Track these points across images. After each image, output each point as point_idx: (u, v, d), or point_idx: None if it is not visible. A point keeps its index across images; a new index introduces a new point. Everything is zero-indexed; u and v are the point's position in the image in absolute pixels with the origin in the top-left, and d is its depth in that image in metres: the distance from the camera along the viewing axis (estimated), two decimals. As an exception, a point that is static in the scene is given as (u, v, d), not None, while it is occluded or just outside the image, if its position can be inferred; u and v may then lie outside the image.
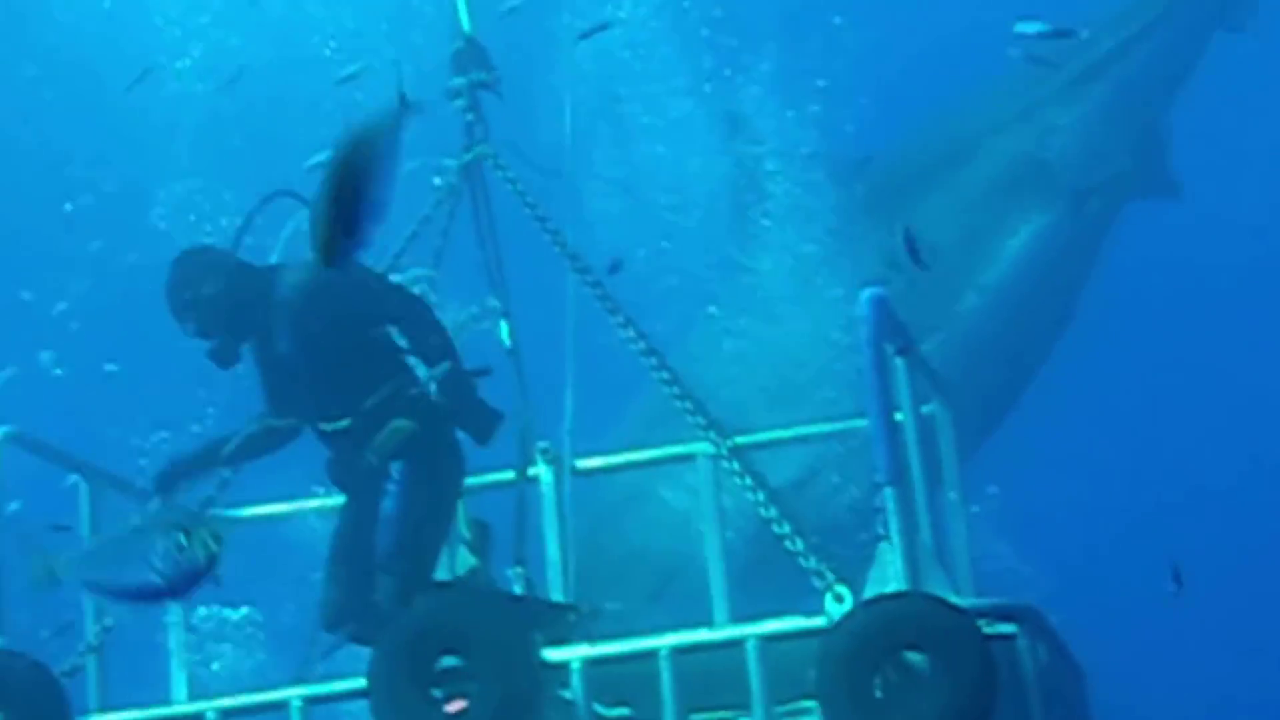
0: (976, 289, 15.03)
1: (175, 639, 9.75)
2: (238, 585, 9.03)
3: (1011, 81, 16.40)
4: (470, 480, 9.61)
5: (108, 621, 9.17)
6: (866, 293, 8.36)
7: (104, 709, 9.11)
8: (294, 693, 8.55)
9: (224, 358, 8.93)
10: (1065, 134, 16.00)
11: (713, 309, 14.04)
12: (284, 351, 8.87)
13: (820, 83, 14.56)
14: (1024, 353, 15.42)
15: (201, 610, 9.78)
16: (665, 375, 8.87)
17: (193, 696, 9.50)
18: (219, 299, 8.85)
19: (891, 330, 8.42)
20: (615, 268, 9.98)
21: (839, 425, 9.93)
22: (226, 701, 8.68)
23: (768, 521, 8.53)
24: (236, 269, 8.92)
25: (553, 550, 9.55)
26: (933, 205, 15.01)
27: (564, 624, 8.96)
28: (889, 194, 14.70)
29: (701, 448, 9.54)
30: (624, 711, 9.14)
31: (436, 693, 8.21)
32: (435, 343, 8.74)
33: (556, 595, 9.43)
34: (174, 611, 9.72)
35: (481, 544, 9.28)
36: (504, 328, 9.58)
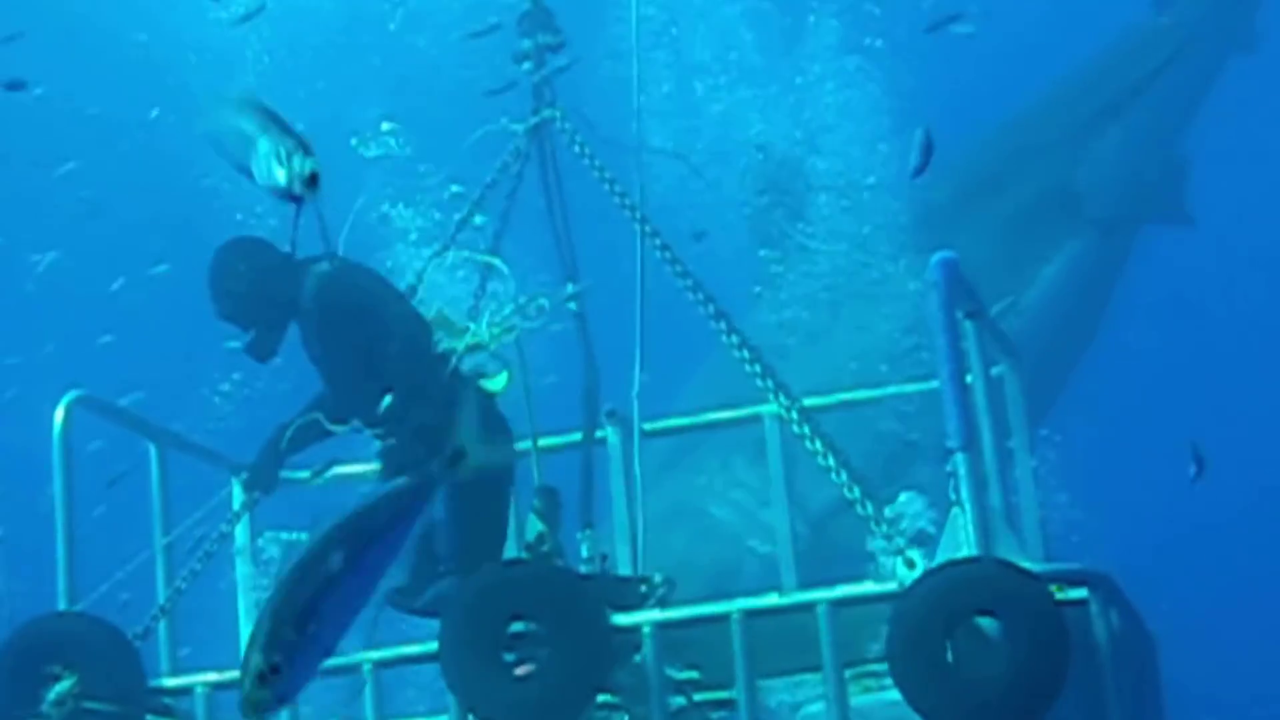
0: (1016, 312, 15.07)
1: (244, 602, 9.80)
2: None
3: (1041, 111, 16.79)
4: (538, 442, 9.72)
5: (179, 584, 9.21)
6: (937, 256, 8.32)
7: (175, 672, 9.18)
8: (365, 657, 8.58)
9: (258, 351, 9.01)
10: (1095, 164, 16.29)
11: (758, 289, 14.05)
12: (310, 352, 9.01)
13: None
14: (1051, 372, 15.51)
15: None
16: (735, 339, 8.84)
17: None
18: (248, 294, 8.98)
19: (961, 294, 8.39)
20: (699, 237, 9.92)
21: (908, 388, 9.88)
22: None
23: (838, 486, 8.51)
24: (268, 266, 9.01)
25: (620, 513, 9.56)
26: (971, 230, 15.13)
27: (635, 596, 8.96)
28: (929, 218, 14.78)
29: (769, 409, 9.55)
30: (694, 675, 9.17)
31: (507, 657, 8.25)
32: (394, 370, 8.84)
33: (624, 557, 9.44)
34: (242, 573, 9.78)
35: (550, 510, 9.28)
36: (570, 290, 9.55)
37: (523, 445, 9.45)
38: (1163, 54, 17.02)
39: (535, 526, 9.26)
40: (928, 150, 8.80)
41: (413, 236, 9.95)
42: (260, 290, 8.96)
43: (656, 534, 9.48)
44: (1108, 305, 16.54)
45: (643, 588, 9.03)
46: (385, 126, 10.12)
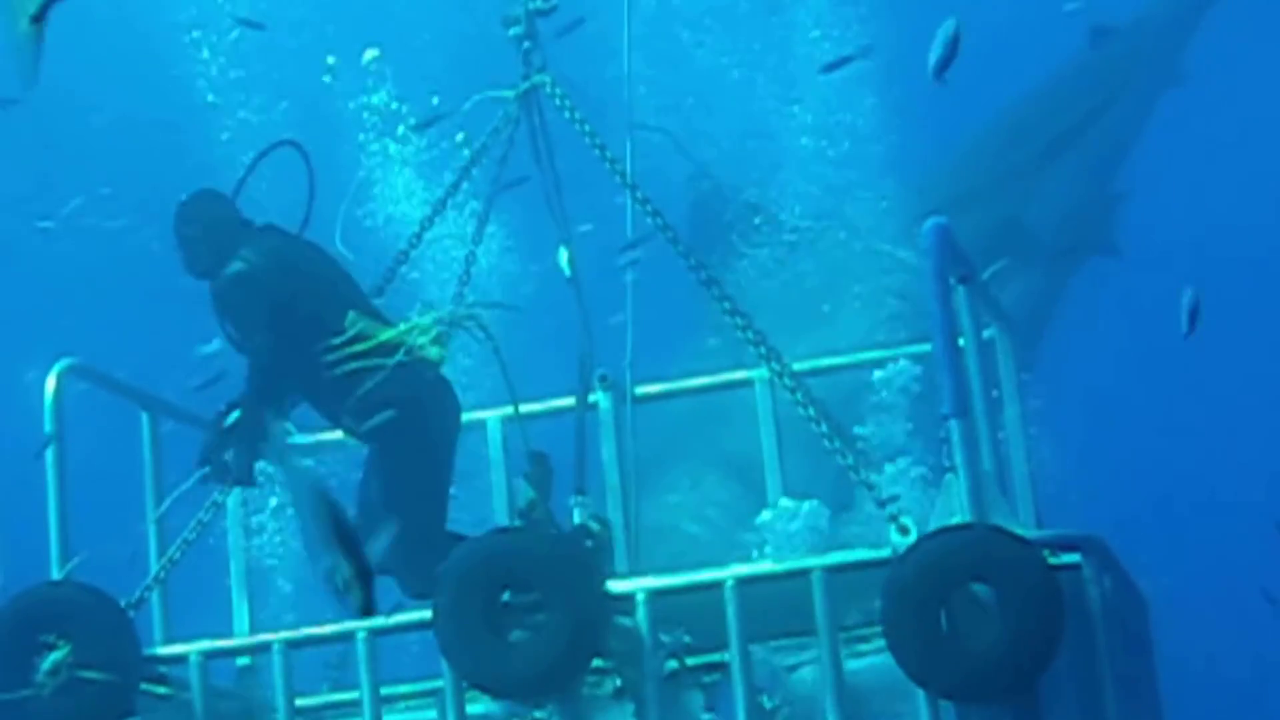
0: None
1: (236, 571, 9.80)
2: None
3: (982, 148, 17.02)
4: (529, 408, 9.72)
5: (173, 554, 9.20)
6: (929, 222, 8.32)
7: (169, 640, 9.18)
8: (359, 625, 8.59)
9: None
10: (1040, 199, 16.47)
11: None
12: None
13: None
14: None
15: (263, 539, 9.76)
16: (727, 305, 8.83)
17: (255, 629, 9.56)
18: (197, 245, 9.04)
19: (954, 259, 8.39)
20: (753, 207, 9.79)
21: (898, 350, 9.88)
22: (290, 634, 8.75)
23: (831, 453, 8.52)
24: (217, 223, 9.05)
25: (613, 477, 9.57)
26: None
27: (581, 548, 9.02)
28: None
29: (759, 374, 9.56)
30: (686, 640, 9.19)
31: (502, 624, 8.27)
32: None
33: (617, 522, 9.45)
34: (235, 544, 9.78)
35: (541, 476, 9.28)
36: (564, 255, 9.52)
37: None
38: (1100, 90, 17.37)
39: (526, 493, 9.26)
40: (954, 46, 8.47)
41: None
42: (208, 246, 9.01)
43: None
44: (1043, 338, 16.78)
45: (588, 541, 9.08)
46: (369, 55, 10.10)
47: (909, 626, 7.88)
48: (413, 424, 8.93)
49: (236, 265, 8.91)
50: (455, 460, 9.28)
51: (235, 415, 8.74)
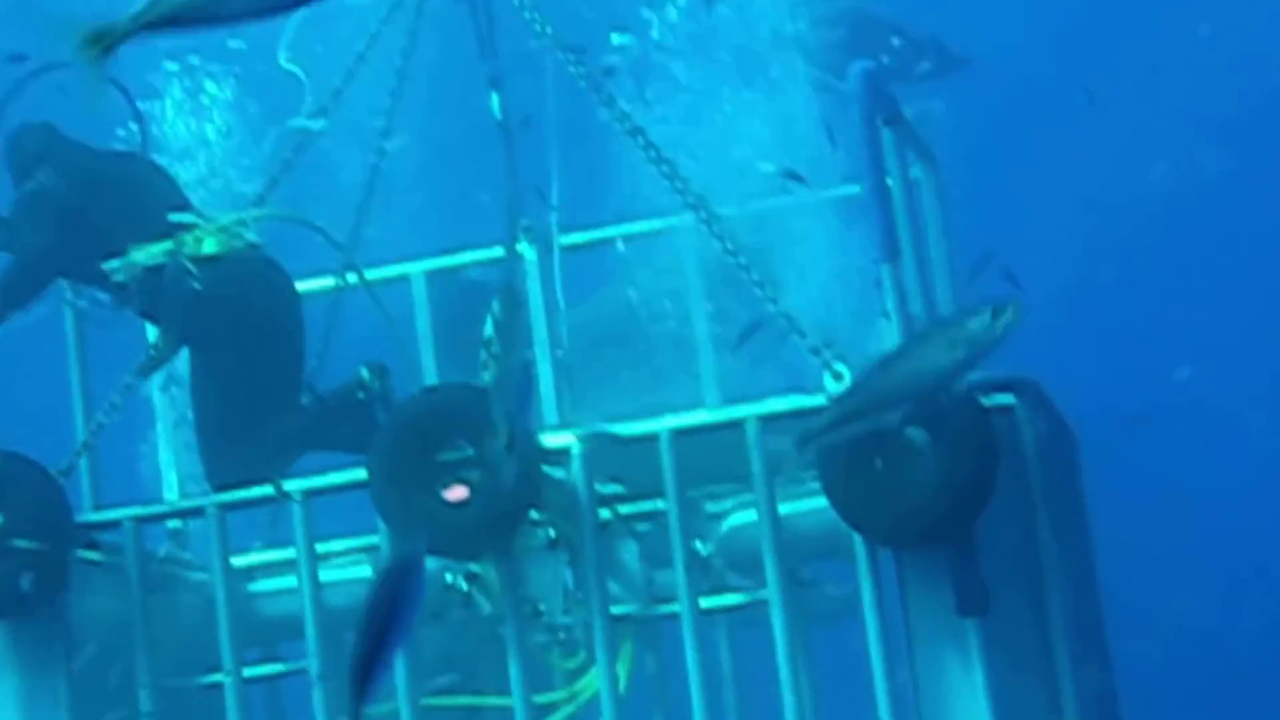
0: None
1: (164, 435, 9.72)
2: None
3: None
4: (459, 259, 9.67)
5: (99, 419, 9.11)
6: (857, 66, 8.26)
7: (99, 507, 9.12)
8: (295, 485, 8.55)
9: None
10: None
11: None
12: None
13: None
14: None
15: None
16: (652, 153, 8.74)
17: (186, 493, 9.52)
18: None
19: (880, 102, 8.34)
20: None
21: (824, 194, 9.81)
22: (225, 496, 8.70)
23: (759, 300, 8.49)
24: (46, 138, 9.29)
25: (540, 329, 9.53)
26: None
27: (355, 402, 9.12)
28: None
29: (686, 220, 9.49)
30: (618, 489, 9.21)
31: (437, 481, 8.25)
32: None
33: (546, 375, 9.41)
34: (161, 408, 9.69)
35: (510, 314, 9.23)
36: (494, 100, 9.39)
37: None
38: None
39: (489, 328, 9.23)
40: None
41: None
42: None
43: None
44: None
45: (360, 394, 9.07)
46: None
47: (843, 471, 7.89)
48: (211, 321, 8.97)
49: (27, 191, 9.04)
50: (288, 339, 9.28)
51: None
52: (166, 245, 8.91)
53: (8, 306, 8.92)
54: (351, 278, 9.61)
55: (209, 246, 8.98)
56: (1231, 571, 16.59)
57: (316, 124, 9.16)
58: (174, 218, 8.96)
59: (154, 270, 8.92)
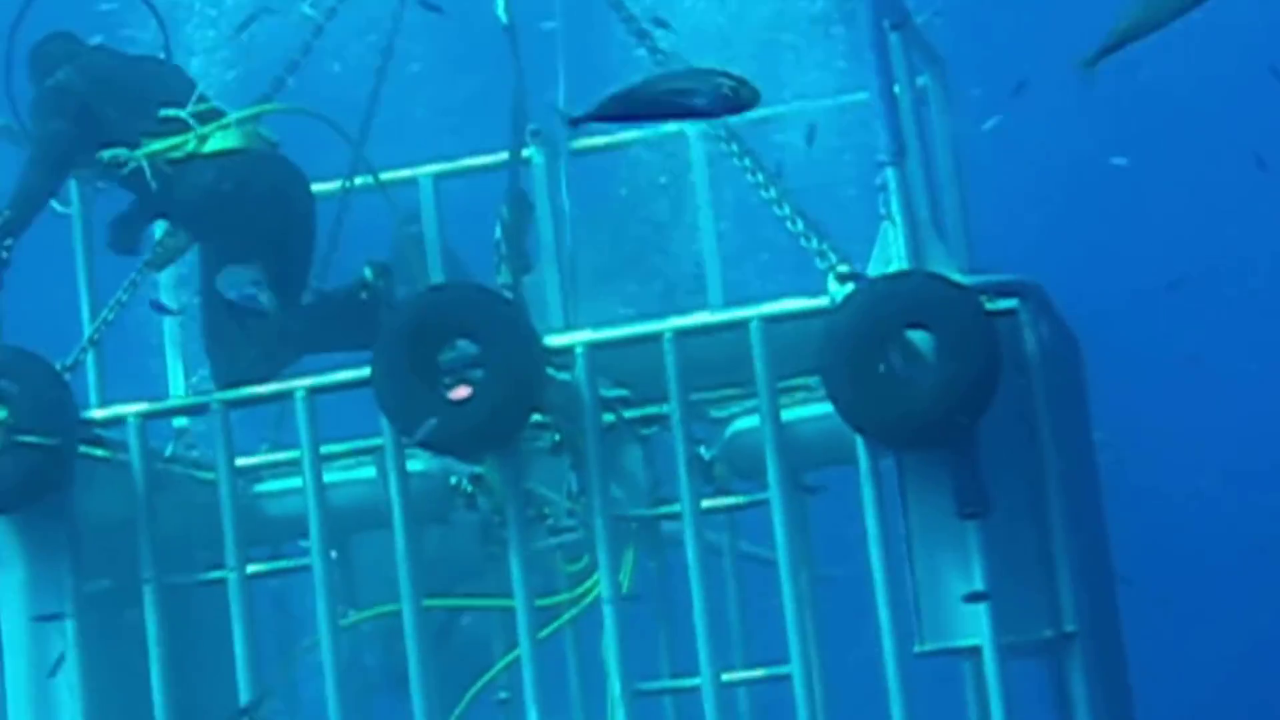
0: None
1: (170, 333, 9.74)
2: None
3: None
4: (464, 163, 9.67)
5: (105, 315, 9.14)
6: (863, -33, 8.25)
7: (105, 403, 9.15)
8: (298, 384, 8.58)
9: None
10: None
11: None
12: None
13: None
14: None
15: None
16: (659, 56, 8.72)
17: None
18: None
19: (887, 5, 8.32)
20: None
21: (835, 100, 9.77)
22: (230, 394, 8.73)
23: (767, 203, 8.48)
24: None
25: (547, 233, 9.52)
26: None
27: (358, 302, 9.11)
28: None
29: (695, 128, 9.50)
30: (623, 392, 9.23)
31: (441, 380, 8.27)
32: None
33: (551, 281, 9.41)
34: (170, 304, 9.71)
35: (518, 217, 9.25)
36: (500, 3, 9.37)
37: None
38: None
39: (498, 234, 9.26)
40: None
41: None
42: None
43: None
44: None
45: (362, 293, 9.08)
46: None
47: (847, 373, 7.91)
48: (226, 216, 8.96)
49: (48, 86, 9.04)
50: (301, 238, 9.26)
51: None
52: (183, 138, 8.92)
53: (28, 202, 8.90)
54: (359, 179, 9.60)
55: (226, 141, 8.98)
56: (1239, 469, 16.45)
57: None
58: (188, 111, 8.94)
59: (168, 163, 8.91)
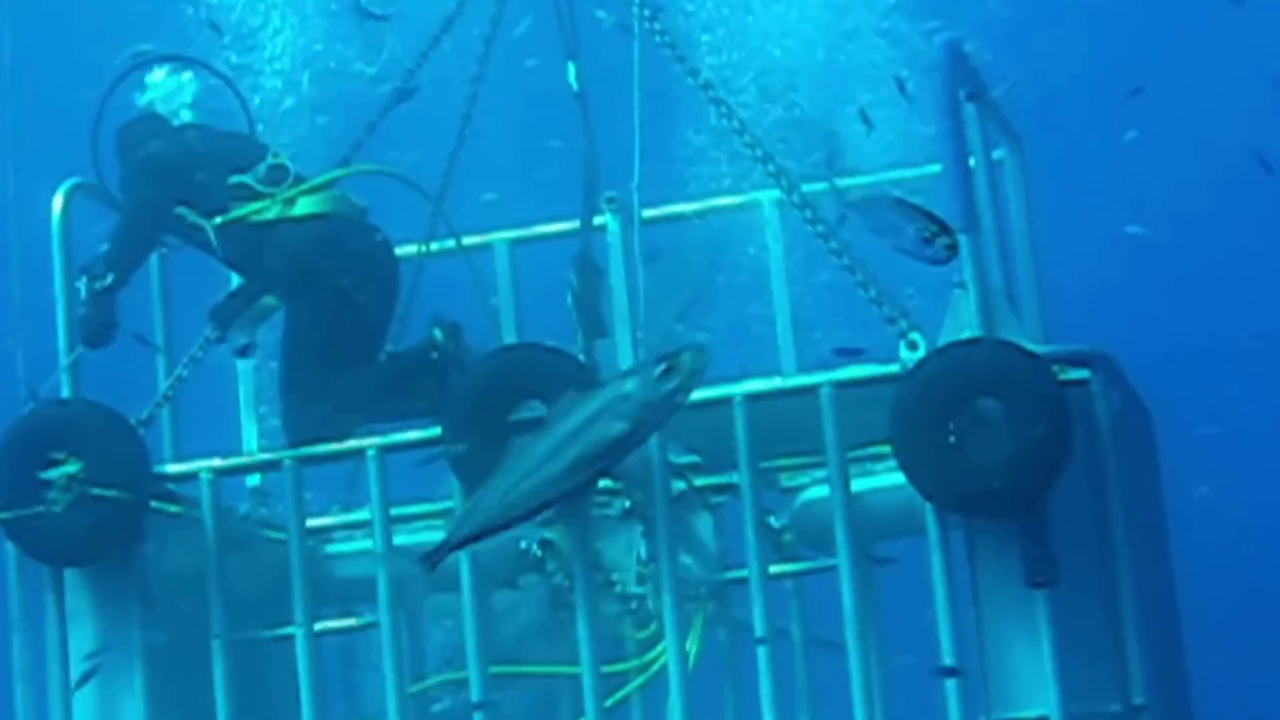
0: None
1: (245, 393, 9.81)
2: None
3: None
4: (534, 230, 9.73)
5: (181, 372, 9.22)
6: (941, 38, 8.29)
7: (179, 458, 9.22)
8: (370, 443, 8.62)
9: None
10: None
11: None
12: None
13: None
14: None
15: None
16: (735, 123, 8.77)
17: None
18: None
19: (964, 75, 8.34)
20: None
21: (910, 172, 9.79)
22: (303, 451, 8.77)
23: (841, 269, 8.49)
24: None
25: (620, 300, 9.54)
26: None
27: (428, 362, 9.12)
28: None
29: (768, 195, 9.53)
30: (694, 459, 9.22)
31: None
32: None
33: (624, 343, 9.44)
34: (244, 367, 9.78)
35: (588, 287, 9.29)
36: (571, 70, 9.44)
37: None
38: None
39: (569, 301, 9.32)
40: None
41: None
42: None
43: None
44: None
45: (433, 354, 9.12)
46: None
47: (917, 441, 7.90)
48: (313, 277, 9.04)
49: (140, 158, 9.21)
50: (382, 302, 9.33)
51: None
52: (271, 201, 9.01)
53: (125, 263, 9.03)
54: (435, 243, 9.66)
55: (314, 205, 9.09)
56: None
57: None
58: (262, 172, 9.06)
59: (257, 226, 9.02)
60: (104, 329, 9.01)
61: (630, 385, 7.73)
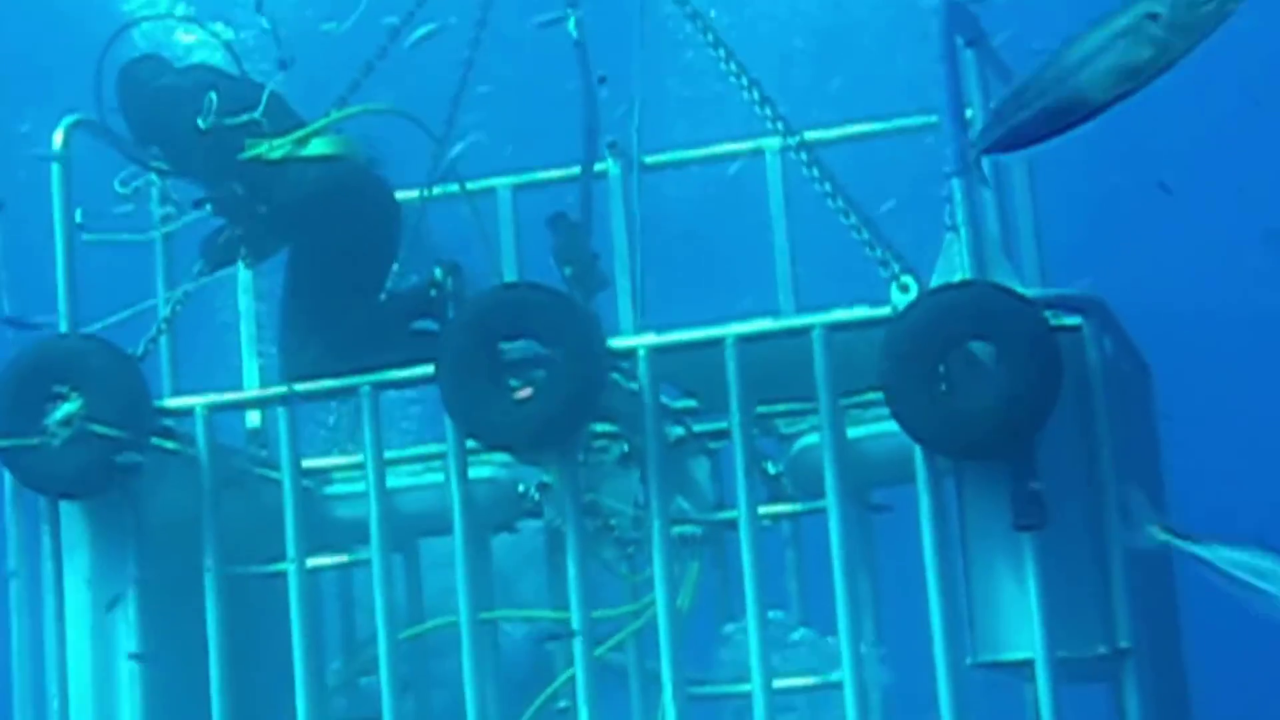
0: None
1: (246, 328, 9.84)
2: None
3: None
4: (535, 175, 9.75)
5: (174, 300, 9.25)
6: (938, -17, 8.28)
7: (177, 393, 9.26)
8: (363, 380, 8.65)
9: None
10: None
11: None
12: None
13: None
14: None
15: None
16: (734, 67, 8.77)
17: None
18: None
19: (963, 22, 8.34)
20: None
21: (905, 121, 9.78)
22: (300, 386, 8.80)
23: (834, 213, 8.49)
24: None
25: (621, 245, 9.59)
26: None
27: (428, 300, 9.16)
28: None
29: (770, 143, 9.54)
30: (690, 403, 9.25)
31: (505, 378, 8.31)
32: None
33: (624, 289, 9.47)
34: (246, 306, 9.81)
35: (565, 237, 9.30)
36: (571, 20, 9.46)
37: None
38: None
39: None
40: None
41: None
42: None
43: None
44: None
45: (432, 291, 9.13)
46: None
47: (907, 384, 7.90)
48: (309, 219, 9.07)
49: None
50: (385, 246, 9.36)
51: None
52: (285, 139, 9.05)
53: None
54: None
55: (326, 146, 9.12)
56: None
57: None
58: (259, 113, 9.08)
59: (267, 164, 9.06)
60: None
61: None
